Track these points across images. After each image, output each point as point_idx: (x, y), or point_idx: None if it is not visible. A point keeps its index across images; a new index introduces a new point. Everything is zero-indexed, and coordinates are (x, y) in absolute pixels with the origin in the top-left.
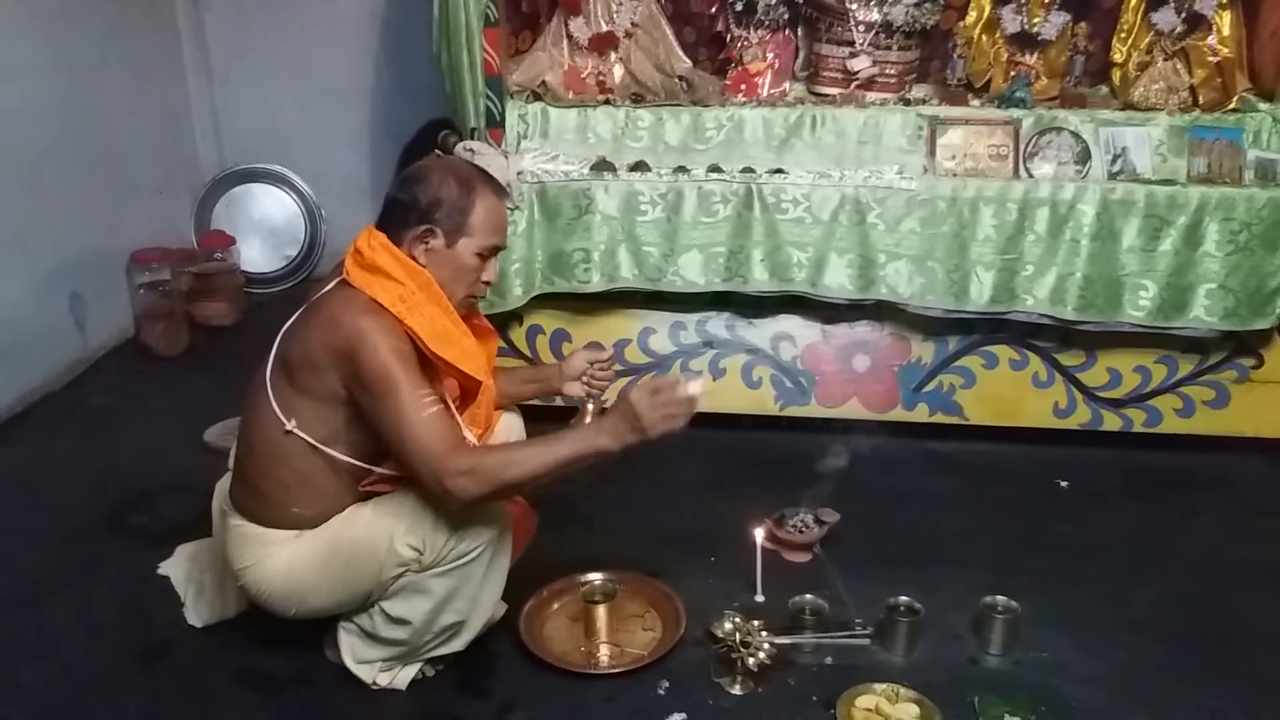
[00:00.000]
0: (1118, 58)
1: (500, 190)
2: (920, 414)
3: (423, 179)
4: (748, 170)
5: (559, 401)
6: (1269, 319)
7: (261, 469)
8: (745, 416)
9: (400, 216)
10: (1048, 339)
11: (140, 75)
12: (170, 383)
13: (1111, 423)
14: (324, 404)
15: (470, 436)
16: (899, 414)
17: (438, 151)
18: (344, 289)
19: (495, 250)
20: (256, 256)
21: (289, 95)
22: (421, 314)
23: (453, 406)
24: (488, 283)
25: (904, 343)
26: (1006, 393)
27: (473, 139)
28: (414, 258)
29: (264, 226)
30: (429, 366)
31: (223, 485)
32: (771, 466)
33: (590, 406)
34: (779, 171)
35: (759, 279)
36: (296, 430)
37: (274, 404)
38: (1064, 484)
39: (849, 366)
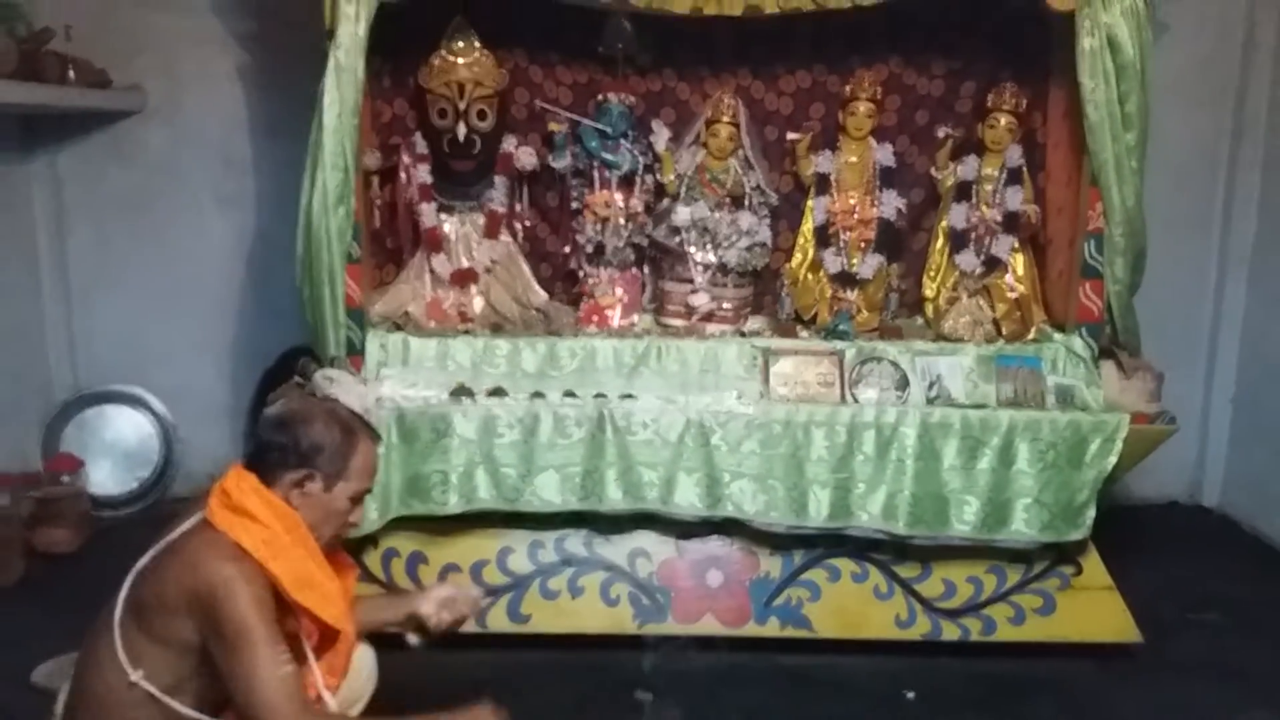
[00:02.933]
0: (929, 293)
1: (376, 436)
2: (772, 628)
3: (305, 422)
4: (600, 395)
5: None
6: (1081, 530)
7: (97, 718)
8: (604, 636)
9: (278, 459)
10: (885, 552)
11: None
12: (1, 616)
13: (950, 632)
14: (173, 650)
15: (324, 689)
16: (752, 629)
17: (298, 379)
18: (206, 530)
19: (366, 493)
20: (106, 479)
21: (150, 317)
22: (286, 558)
23: (311, 655)
24: (354, 524)
25: (753, 557)
26: (850, 605)
27: (333, 367)
28: (287, 500)
29: (116, 448)
30: (289, 609)
31: None
32: (629, 688)
33: (413, 639)
34: (629, 396)
35: (613, 498)
36: (142, 682)
37: (120, 650)
38: (910, 695)
39: (703, 582)
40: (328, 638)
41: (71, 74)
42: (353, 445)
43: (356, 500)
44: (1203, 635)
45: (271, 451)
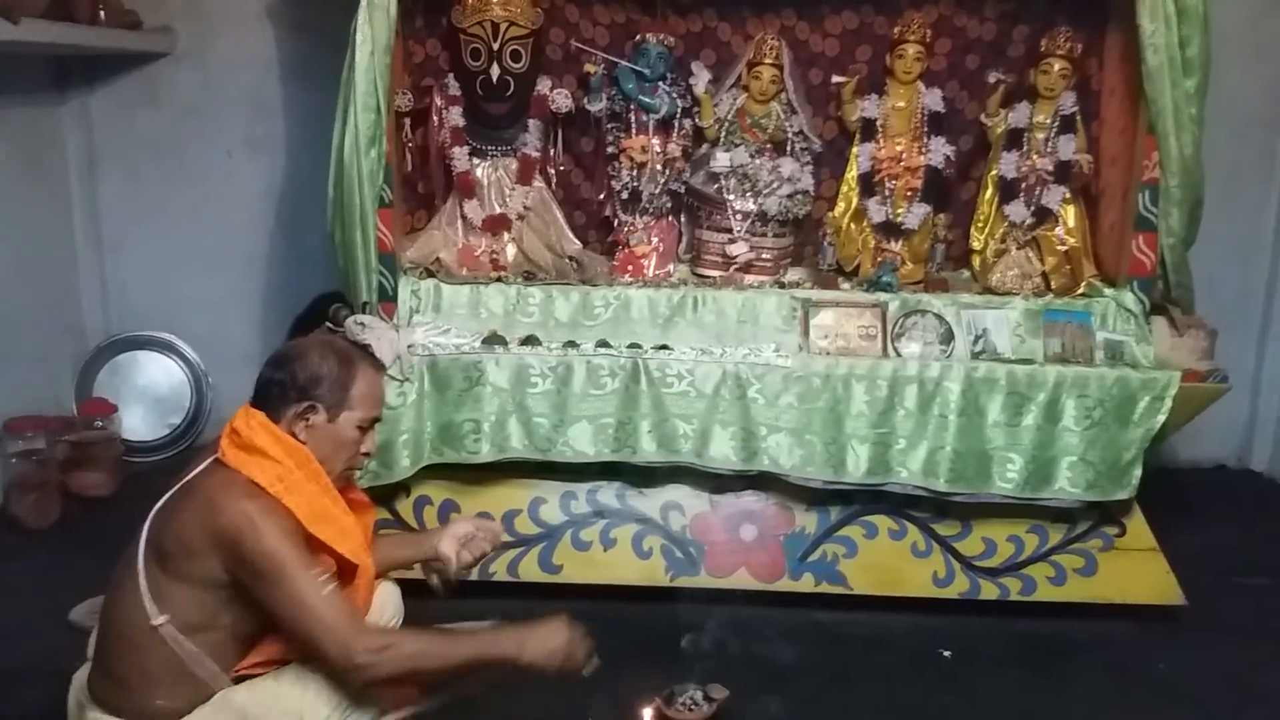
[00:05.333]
0: (976, 245)
1: (378, 364)
2: (806, 584)
3: (300, 356)
4: (634, 346)
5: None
6: (1127, 490)
7: (124, 656)
8: (635, 588)
9: (279, 394)
10: (924, 509)
11: (28, 244)
12: (39, 557)
13: (989, 591)
14: (200, 588)
15: None
16: (786, 584)
17: (328, 324)
18: (220, 470)
19: (374, 422)
20: (139, 425)
21: (181, 263)
22: (299, 493)
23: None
24: (367, 454)
25: (788, 512)
26: (887, 562)
27: (365, 313)
28: (294, 434)
29: (148, 394)
30: (309, 543)
31: (80, 677)
32: (661, 640)
33: (435, 580)
34: (664, 348)
35: (647, 449)
36: (165, 625)
37: (144, 590)
38: (947, 654)
39: (737, 536)
40: (346, 574)
41: (102, 15)
42: (351, 373)
43: (364, 428)
44: (1249, 599)
45: (272, 388)
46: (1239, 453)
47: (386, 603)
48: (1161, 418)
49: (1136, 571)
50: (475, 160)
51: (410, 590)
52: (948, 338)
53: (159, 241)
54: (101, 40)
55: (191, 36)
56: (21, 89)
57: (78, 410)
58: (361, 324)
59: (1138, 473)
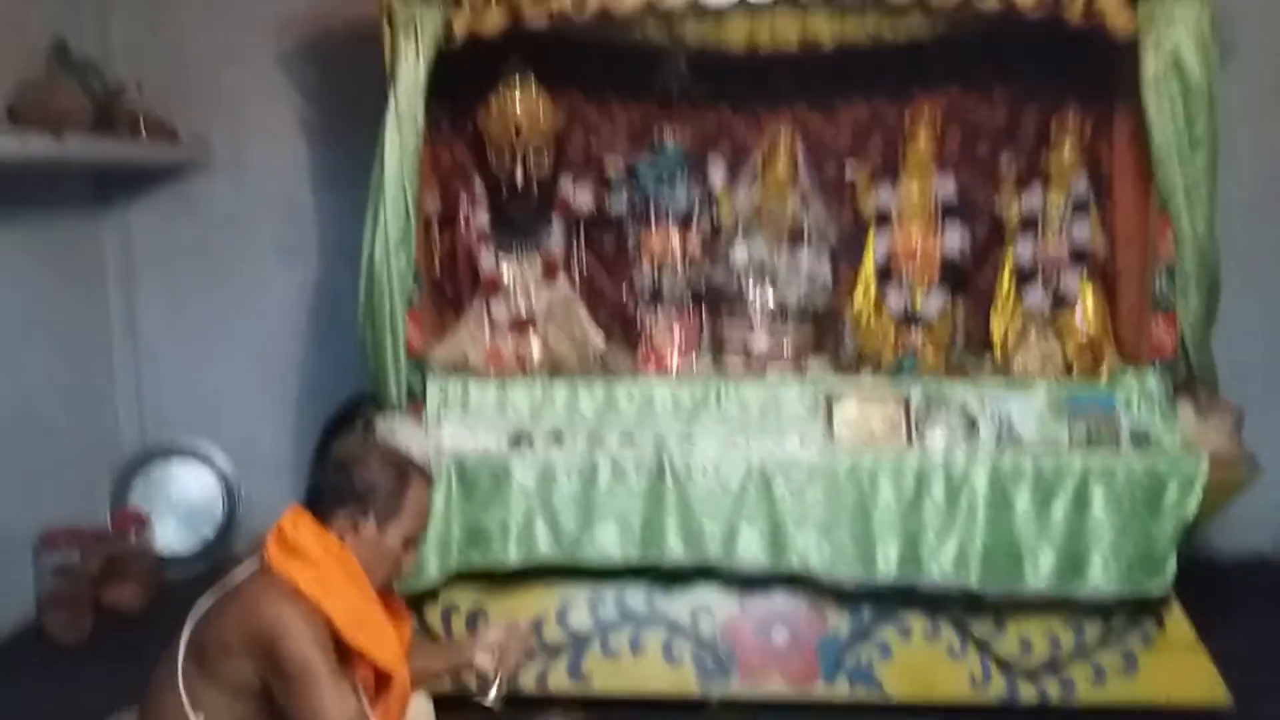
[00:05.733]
0: (996, 332)
1: (430, 479)
2: (841, 689)
3: (360, 462)
4: (659, 441)
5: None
6: (1162, 582)
7: None
8: (667, 698)
9: (333, 498)
10: (957, 605)
11: (67, 351)
12: (70, 675)
13: (1029, 694)
14: (234, 694)
15: None
16: (820, 690)
17: (360, 426)
18: (263, 573)
19: (419, 537)
20: (172, 536)
21: (216, 370)
22: (340, 598)
23: (366, 704)
24: (406, 569)
25: (820, 614)
26: (923, 664)
27: (394, 414)
28: (342, 540)
29: (181, 505)
30: (345, 652)
31: None
32: None
33: (492, 691)
34: (688, 442)
35: (674, 550)
36: None
37: (182, 692)
38: None
39: (769, 640)
40: (382, 685)
41: (142, 129)
42: (405, 485)
43: (409, 543)
44: None
45: (327, 492)
46: (1277, 540)
47: (418, 717)
48: (1194, 504)
49: (1179, 670)
50: (501, 260)
51: (443, 705)
52: (972, 426)
53: (194, 348)
54: (141, 153)
55: (227, 148)
56: (64, 201)
57: (112, 521)
58: (391, 425)
59: (1173, 564)
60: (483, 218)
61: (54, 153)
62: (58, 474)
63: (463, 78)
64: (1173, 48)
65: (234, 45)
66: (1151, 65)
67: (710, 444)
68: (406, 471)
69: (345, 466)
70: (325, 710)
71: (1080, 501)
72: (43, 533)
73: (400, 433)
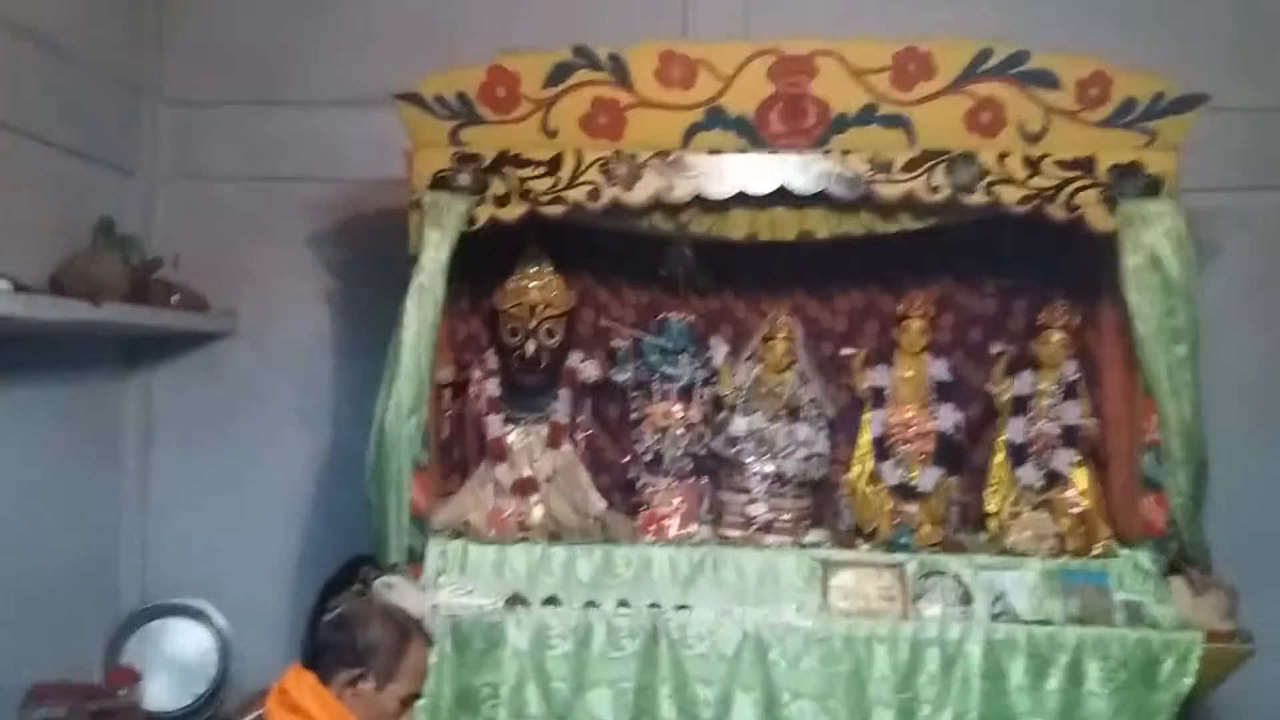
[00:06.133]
0: (991, 508)
1: (429, 639)
2: None
3: (362, 622)
4: (654, 606)
5: None
6: None
7: None
8: None
9: (334, 657)
10: None
11: (77, 508)
12: None
13: None
14: None
15: None
16: None
17: (358, 585)
18: None
19: (416, 699)
20: (163, 693)
21: (222, 530)
22: None
23: None
24: None
25: None
26: None
27: (393, 574)
28: (340, 699)
29: (175, 662)
30: None
31: None
32: None
33: None
34: (684, 608)
35: (667, 717)
36: None
37: None
38: None
39: None
40: None
41: (175, 298)
42: (406, 646)
43: (406, 703)
44: None
45: (329, 650)
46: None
47: None
48: (1189, 680)
49: None
50: (509, 427)
51: None
52: (966, 599)
53: (203, 510)
54: (171, 322)
55: (252, 317)
56: (92, 365)
57: (105, 677)
58: (389, 585)
59: None
60: (493, 387)
61: (90, 317)
62: (54, 629)
63: (484, 257)
64: (1150, 245)
65: (267, 225)
66: (1131, 261)
67: (706, 610)
68: (408, 631)
69: (347, 625)
70: None
71: (1075, 674)
72: (33, 687)
73: (398, 592)
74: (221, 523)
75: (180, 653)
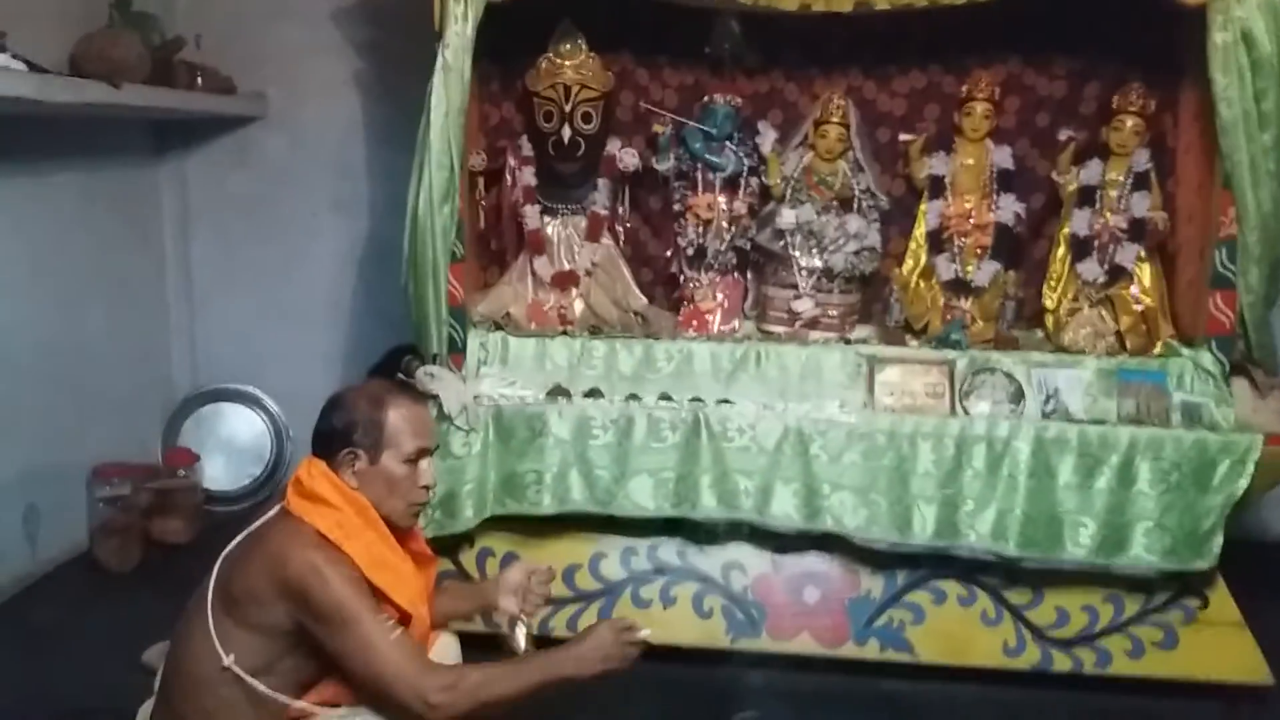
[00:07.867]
0: (1049, 304)
1: (418, 397)
2: (871, 650)
3: (338, 405)
4: (696, 400)
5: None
6: (1207, 559)
7: (187, 693)
8: (695, 650)
9: (324, 444)
10: (994, 575)
11: (124, 299)
12: (118, 600)
13: (1062, 663)
14: (265, 635)
15: None
16: (850, 650)
17: (401, 375)
18: (287, 520)
19: (423, 453)
20: (220, 474)
21: (266, 319)
22: (359, 539)
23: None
24: (426, 487)
25: (853, 575)
26: (956, 630)
27: (435, 364)
28: (347, 482)
29: (230, 445)
30: (371, 590)
31: (145, 710)
32: (722, 706)
33: (519, 632)
34: (726, 402)
35: (707, 505)
36: (234, 666)
37: (213, 634)
38: None
39: (799, 599)
40: (403, 624)
41: (199, 81)
42: (381, 413)
43: (414, 461)
44: None
45: (321, 439)
46: None
47: (445, 654)
48: (1243, 483)
49: (1220, 647)
50: (546, 218)
51: (470, 643)
52: (1018, 397)
53: (246, 298)
54: (197, 105)
55: (282, 101)
56: (121, 150)
57: (162, 459)
58: (430, 374)
59: (1219, 541)
60: (529, 176)
61: (110, 99)
62: (112, 412)
63: (514, 36)
64: (1242, 19)
65: (291, 2)
66: (1219, 37)
67: (748, 404)
68: (380, 399)
69: (327, 411)
70: (373, 645)
71: (1126, 474)
72: (96, 466)
73: (440, 382)
74: (265, 313)
75: (235, 436)
